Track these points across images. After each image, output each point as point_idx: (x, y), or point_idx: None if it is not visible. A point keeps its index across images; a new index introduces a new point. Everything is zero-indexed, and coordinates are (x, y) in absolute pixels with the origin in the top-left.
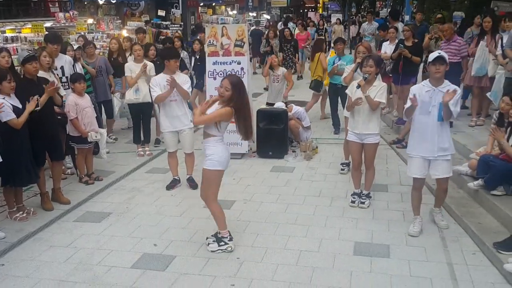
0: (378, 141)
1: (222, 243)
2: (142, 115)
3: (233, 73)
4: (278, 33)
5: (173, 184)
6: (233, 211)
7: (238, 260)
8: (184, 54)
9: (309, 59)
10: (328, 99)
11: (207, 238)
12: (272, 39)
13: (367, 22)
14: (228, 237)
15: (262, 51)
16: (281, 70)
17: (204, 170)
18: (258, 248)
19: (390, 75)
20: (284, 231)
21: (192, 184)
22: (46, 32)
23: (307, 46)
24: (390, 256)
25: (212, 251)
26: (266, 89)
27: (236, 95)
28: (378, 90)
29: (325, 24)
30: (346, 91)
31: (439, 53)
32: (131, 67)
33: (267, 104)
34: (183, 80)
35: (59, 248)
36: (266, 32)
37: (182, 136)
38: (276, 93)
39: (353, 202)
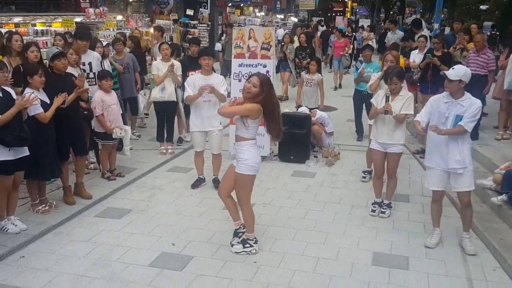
0: (402, 151)
1: (248, 245)
2: (166, 114)
3: None
4: (295, 38)
5: (198, 183)
6: None
7: (255, 264)
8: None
9: (347, 68)
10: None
11: (233, 238)
12: (287, 44)
13: (391, 31)
14: (254, 239)
15: (277, 57)
16: (317, 76)
17: (238, 174)
18: (275, 253)
19: (418, 84)
20: (302, 237)
21: (217, 185)
22: (76, 27)
23: (346, 54)
24: (409, 268)
25: (236, 252)
26: (280, 99)
27: (263, 93)
28: (405, 101)
29: (355, 32)
30: (372, 100)
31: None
32: (158, 66)
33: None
34: (219, 81)
35: (79, 243)
36: (282, 37)
37: (210, 137)
38: (309, 97)
39: (373, 211)
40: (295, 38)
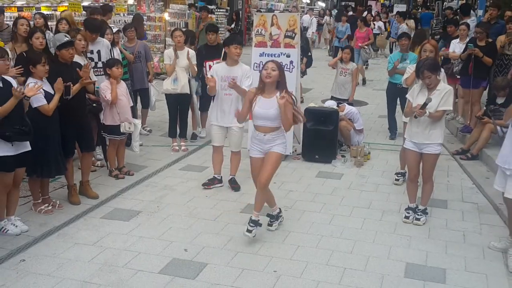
0: (439, 151)
1: (280, 217)
2: (179, 107)
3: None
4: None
5: (211, 182)
6: None
7: (275, 273)
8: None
9: (366, 62)
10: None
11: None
12: None
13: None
14: (279, 208)
15: None
16: (352, 65)
17: (277, 155)
18: (297, 261)
19: (458, 76)
20: (327, 244)
21: (234, 186)
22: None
23: (365, 46)
24: (446, 281)
25: (276, 229)
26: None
27: (281, 76)
28: (443, 95)
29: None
30: (407, 95)
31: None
32: (171, 55)
33: (332, 98)
34: (243, 73)
35: (84, 246)
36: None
37: (230, 134)
38: (341, 86)
39: (407, 217)
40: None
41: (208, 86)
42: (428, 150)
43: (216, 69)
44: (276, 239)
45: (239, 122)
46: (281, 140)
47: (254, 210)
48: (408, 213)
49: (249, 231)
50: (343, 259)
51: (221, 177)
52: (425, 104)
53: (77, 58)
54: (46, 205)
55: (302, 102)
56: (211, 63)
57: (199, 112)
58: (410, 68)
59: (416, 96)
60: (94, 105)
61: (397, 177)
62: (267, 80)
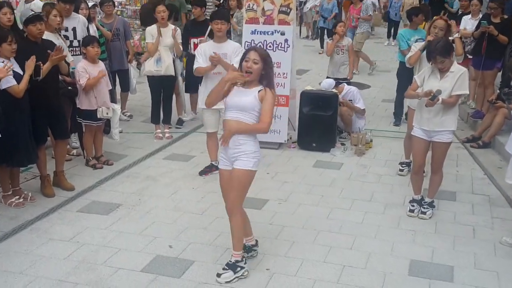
0: (452, 139)
1: (238, 268)
2: (163, 90)
3: (275, 45)
4: None
5: (209, 169)
6: (264, 212)
7: (268, 271)
8: None
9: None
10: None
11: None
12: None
13: None
14: (244, 259)
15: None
16: (347, 40)
17: (243, 172)
18: (292, 259)
19: (470, 56)
20: (325, 240)
21: None
22: None
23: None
24: (453, 280)
25: (227, 282)
26: None
27: (266, 68)
28: (457, 78)
29: None
30: (415, 76)
31: None
32: (153, 32)
33: (327, 78)
34: (233, 50)
35: (59, 242)
36: None
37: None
38: (338, 66)
39: (411, 211)
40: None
41: (196, 67)
42: (439, 138)
43: (204, 48)
44: (269, 234)
45: (207, 106)
46: (250, 148)
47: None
48: (413, 205)
49: (218, 275)
50: (342, 256)
51: (218, 163)
52: (434, 96)
53: (50, 36)
54: (17, 197)
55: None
56: (195, 40)
57: (186, 95)
58: (415, 46)
59: (427, 79)
60: (70, 88)
61: (401, 167)
62: (247, 78)
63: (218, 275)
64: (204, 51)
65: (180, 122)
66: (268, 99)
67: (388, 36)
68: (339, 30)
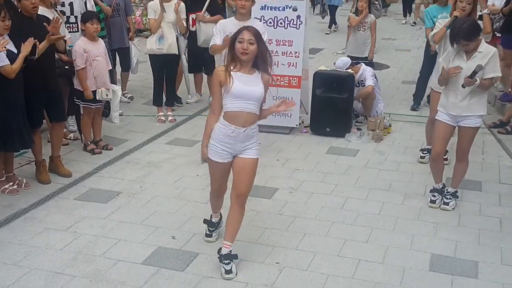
0: (480, 124)
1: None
2: (166, 70)
3: (286, 22)
4: None
5: None
6: (274, 201)
7: (278, 265)
8: None
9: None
10: None
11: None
12: None
13: None
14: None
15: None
16: (370, 17)
17: (256, 161)
18: (304, 252)
19: (498, 35)
20: (339, 232)
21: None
22: None
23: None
24: (478, 276)
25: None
26: None
27: (262, 50)
28: (489, 58)
29: None
30: (441, 59)
31: None
32: (156, 8)
33: (349, 57)
34: (258, 28)
35: (56, 232)
36: None
37: None
38: (360, 44)
39: (432, 201)
40: None
41: (211, 45)
42: (467, 123)
43: (224, 24)
44: (279, 225)
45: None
46: (257, 137)
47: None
48: (434, 196)
49: (228, 271)
50: (357, 249)
51: None
52: (474, 73)
53: (45, 12)
54: (11, 183)
55: None
56: (193, 15)
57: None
58: (440, 23)
59: (452, 60)
60: (66, 67)
61: (422, 154)
62: (243, 58)
63: (228, 271)
64: (223, 28)
65: (179, 100)
66: (267, 85)
67: (404, 15)
68: (361, 5)
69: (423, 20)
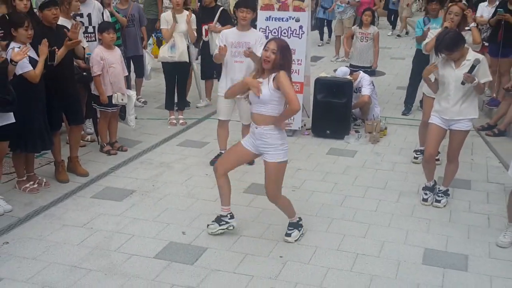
0: (470, 127)
1: (300, 228)
2: (177, 76)
3: (289, 31)
4: None
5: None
6: None
7: (281, 259)
8: None
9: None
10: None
11: (213, 223)
12: None
13: None
14: (298, 217)
15: None
16: (373, 29)
17: (275, 165)
18: (305, 246)
19: (486, 44)
20: (338, 228)
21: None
22: None
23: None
24: (468, 269)
25: (295, 240)
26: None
27: (282, 59)
28: (478, 65)
29: None
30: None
31: None
32: (169, 19)
33: (351, 66)
34: (256, 39)
35: (73, 228)
36: None
37: (240, 105)
38: (361, 53)
39: (425, 200)
40: None
41: (214, 54)
42: (458, 127)
43: (226, 35)
44: (282, 221)
45: (225, 97)
46: (276, 141)
47: (221, 205)
48: (426, 193)
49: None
50: (355, 244)
51: None
52: (473, 67)
53: (65, 22)
54: (32, 183)
55: None
56: (206, 26)
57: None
58: (432, 33)
59: (441, 68)
60: (84, 73)
61: (416, 155)
62: (264, 65)
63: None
64: (226, 38)
65: (187, 104)
66: (283, 82)
67: (392, 26)
68: (365, 19)
69: (414, 28)
